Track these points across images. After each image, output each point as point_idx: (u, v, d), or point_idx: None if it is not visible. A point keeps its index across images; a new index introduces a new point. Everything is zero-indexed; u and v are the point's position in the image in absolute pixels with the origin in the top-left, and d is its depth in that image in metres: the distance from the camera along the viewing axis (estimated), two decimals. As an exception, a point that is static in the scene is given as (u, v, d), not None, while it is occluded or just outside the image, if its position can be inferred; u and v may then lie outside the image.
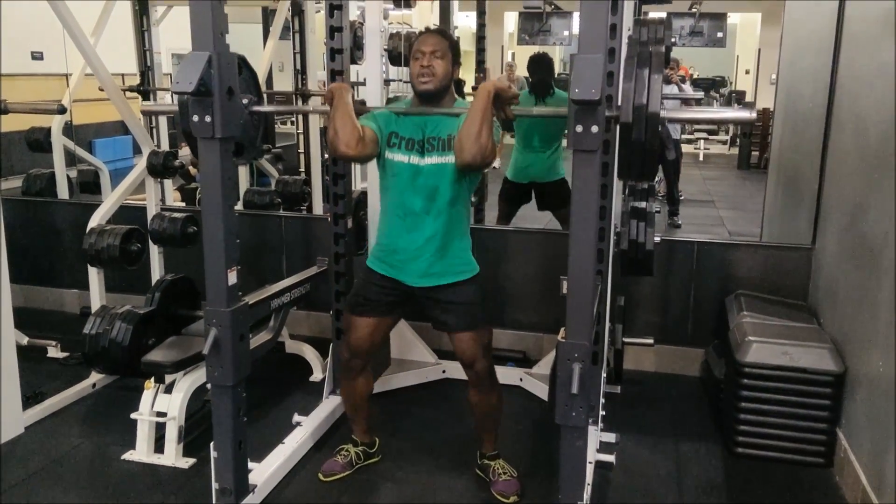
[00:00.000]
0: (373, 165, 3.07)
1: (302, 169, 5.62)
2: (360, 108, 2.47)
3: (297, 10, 5.28)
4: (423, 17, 4.19)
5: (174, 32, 5.20)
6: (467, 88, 5.26)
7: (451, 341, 2.53)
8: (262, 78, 4.59)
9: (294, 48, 5.38)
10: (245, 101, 2.33)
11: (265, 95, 5.93)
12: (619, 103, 1.84)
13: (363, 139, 2.35)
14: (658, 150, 1.84)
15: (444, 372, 3.52)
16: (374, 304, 2.56)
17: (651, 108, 1.76)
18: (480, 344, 2.50)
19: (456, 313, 2.49)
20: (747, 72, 11.26)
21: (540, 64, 4.51)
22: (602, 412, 2.85)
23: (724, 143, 10.17)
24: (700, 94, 7.56)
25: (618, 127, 1.84)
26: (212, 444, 2.30)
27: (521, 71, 10.07)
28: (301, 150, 5.64)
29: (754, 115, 1.86)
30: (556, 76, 4.35)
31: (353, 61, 3.11)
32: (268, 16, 5.82)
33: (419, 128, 2.45)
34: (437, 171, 2.42)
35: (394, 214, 2.50)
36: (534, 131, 4.38)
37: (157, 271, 3.61)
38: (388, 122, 2.48)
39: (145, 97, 5.18)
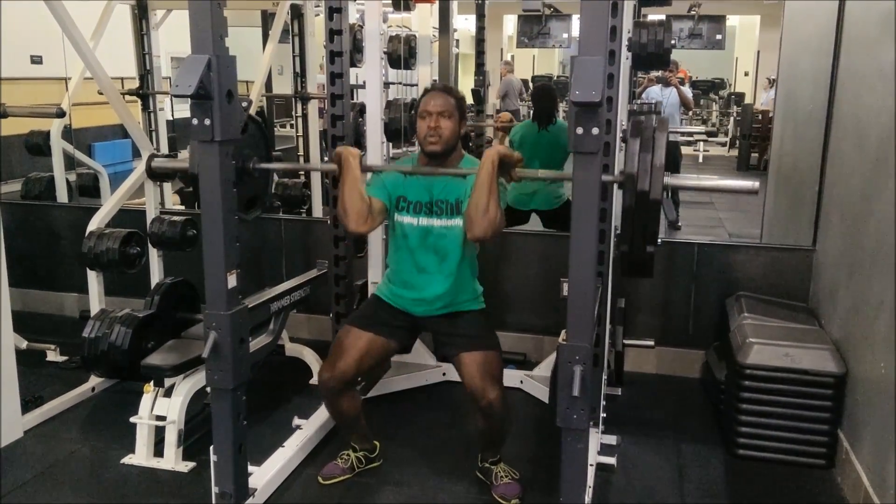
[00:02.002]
0: (373, 161, 3.09)
1: (301, 172, 5.61)
2: (368, 168, 2.51)
3: (297, 14, 5.28)
4: (423, 19, 4.18)
5: (173, 36, 5.20)
6: (467, 90, 5.26)
7: (459, 369, 2.47)
8: (261, 81, 4.58)
9: (293, 51, 5.38)
10: (252, 160, 2.42)
11: (265, 99, 5.94)
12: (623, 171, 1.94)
13: (371, 214, 2.41)
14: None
15: (444, 374, 3.51)
16: (378, 322, 2.58)
17: (653, 195, 1.90)
18: (489, 370, 2.42)
19: (462, 336, 2.51)
20: (746, 74, 11.26)
21: (543, 94, 4.62)
22: (603, 414, 2.85)
23: (724, 144, 10.16)
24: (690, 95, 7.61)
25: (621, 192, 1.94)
26: (211, 447, 2.29)
27: (520, 72, 10.12)
28: (300, 153, 5.64)
29: (756, 185, 1.94)
30: (558, 107, 4.44)
31: (353, 64, 3.11)
32: (267, 19, 5.81)
33: (426, 190, 2.50)
34: (447, 232, 2.49)
35: (406, 272, 2.57)
36: (535, 158, 4.41)
37: (156, 275, 3.60)
38: (395, 185, 2.52)
39: (144, 101, 5.18)
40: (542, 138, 4.33)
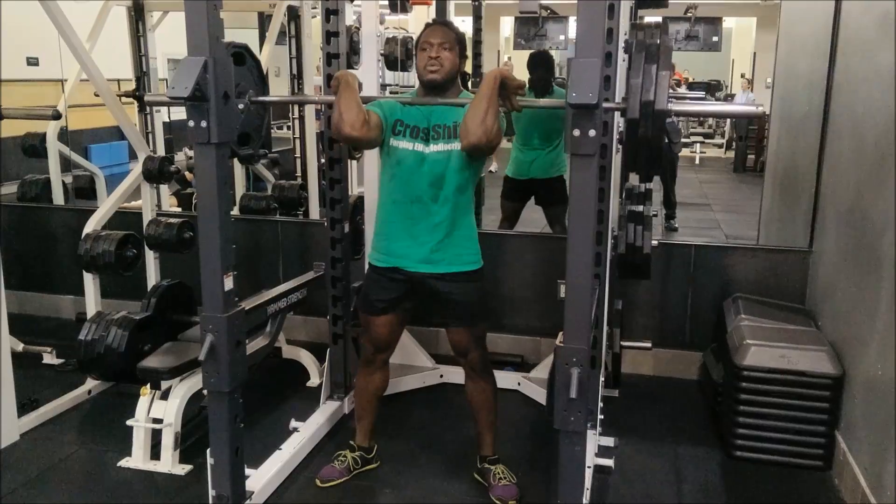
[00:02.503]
0: (372, 163, 3.09)
1: (298, 174, 5.61)
2: (365, 97, 2.46)
3: (294, 15, 5.28)
4: (420, 21, 4.18)
5: (170, 37, 5.20)
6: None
7: (448, 334, 2.61)
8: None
9: (290, 53, 5.37)
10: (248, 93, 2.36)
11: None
12: (626, 96, 1.85)
13: (368, 122, 2.34)
14: (664, 144, 1.87)
15: (441, 377, 3.51)
16: (382, 301, 2.57)
17: (658, 105, 1.79)
18: (474, 337, 2.58)
19: (454, 311, 2.52)
20: (743, 76, 11.28)
21: (540, 61, 4.51)
22: (600, 416, 2.85)
23: (721, 146, 10.18)
24: (701, 93, 7.59)
25: (624, 121, 1.83)
26: (208, 450, 2.28)
27: (518, 73, 10.13)
28: (297, 154, 5.63)
29: (762, 109, 1.87)
30: (555, 75, 4.36)
31: (350, 66, 3.11)
32: (264, 21, 5.81)
33: (424, 116, 2.47)
34: (443, 158, 2.43)
35: (399, 202, 2.48)
36: (533, 130, 4.38)
37: (152, 277, 3.59)
38: (392, 110, 2.49)
39: (141, 102, 5.17)
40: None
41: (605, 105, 1.78)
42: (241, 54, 2.36)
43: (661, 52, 1.81)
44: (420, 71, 2.44)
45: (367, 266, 2.65)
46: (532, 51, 4.61)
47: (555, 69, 4.40)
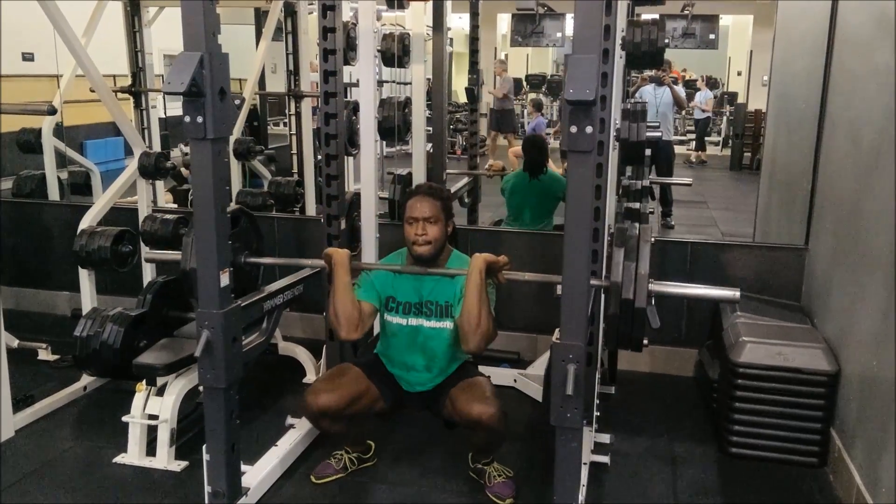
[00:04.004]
0: (369, 160, 3.08)
1: (295, 170, 5.60)
2: (357, 267, 2.56)
3: (290, 12, 5.27)
4: (417, 18, 4.17)
5: (166, 33, 5.18)
6: (460, 89, 5.26)
7: (454, 405, 2.47)
8: (255, 78, 4.57)
9: (287, 49, 5.37)
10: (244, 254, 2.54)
11: (258, 97, 5.92)
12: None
13: (362, 319, 2.47)
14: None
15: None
16: (379, 375, 2.63)
17: (637, 304, 2.03)
18: (482, 392, 2.45)
19: (448, 384, 2.58)
20: (739, 73, 11.28)
21: (534, 145, 4.71)
22: (596, 413, 2.85)
23: (717, 144, 10.18)
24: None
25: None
26: (204, 446, 2.28)
27: (513, 71, 10.11)
28: (294, 151, 5.63)
29: (738, 294, 2.04)
30: (548, 157, 4.57)
31: (347, 62, 3.10)
32: (260, 17, 5.80)
33: (416, 290, 2.55)
34: (436, 334, 2.55)
35: (398, 367, 2.63)
36: (525, 207, 4.49)
37: (148, 273, 3.59)
38: (384, 285, 2.57)
39: (137, 98, 5.16)
40: (534, 187, 4.47)
41: (593, 282, 1.99)
42: (238, 217, 2.47)
43: (640, 249, 2.02)
44: (408, 243, 2.50)
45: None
46: (526, 136, 4.73)
47: (548, 152, 4.60)
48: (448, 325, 2.53)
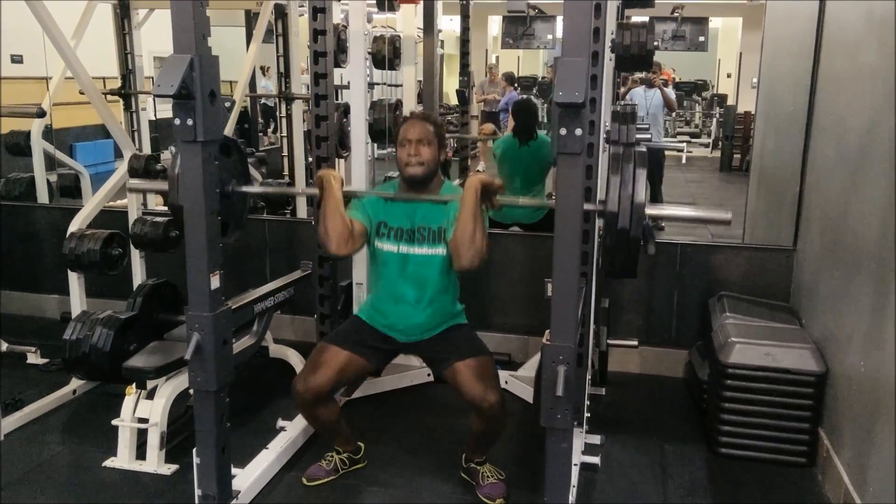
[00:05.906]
0: (359, 161, 3.08)
1: (286, 172, 5.59)
2: (349, 192, 2.51)
3: (281, 14, 5.26)
4: (408, 20, 4.18)
5: (156, 35, 5.16)
6: (451, 91, 5.27)
7: (455, 378, 2.43)
8: (244, 81, 4.56)
9: (277, 51, 5.36)
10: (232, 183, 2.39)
11: (249, 100, 5.91)
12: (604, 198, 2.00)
13: (352, 236, 2.42)
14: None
15: (428, 375, 3.50)
16: (357, 342, 2.57)
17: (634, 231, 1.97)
18: (486, 374, 2.42)
19: (452, 348, 2.51)
20: (729, 75, 11.34)
21: (524, 110, 4.69)
22: (587, 414, 2.86)
23: (707, 146, 10.23)
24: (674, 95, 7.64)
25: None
26: (194, 450, 2.27)
27: (504, 68, 10.12)
28: (285, 153, 5.62)
29: (729, 216, 2.07)
30: (539, 120, 4.52)
31: (337, 65, 3.10)
32: (251, 19, 5.79)
33: (408, 216, 2.51)
34: (427, 261, 2.50)
35: (386, 300, 2.58)
36: (516, 174, 4.48)
37: (138, 276, 3.57)
38: (376, 210, 2.53)
39: (126, 100, 5.14)
40: (523, 153, 4.45)
41: (585, 206, 1.93)
42: (226, 145, 2.38)
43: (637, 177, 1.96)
44: (401, 166, 2.48)
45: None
46: (517, 100, 4.72)
47: (538, 116, 4.57)
48: (441, 251, 2.47)
